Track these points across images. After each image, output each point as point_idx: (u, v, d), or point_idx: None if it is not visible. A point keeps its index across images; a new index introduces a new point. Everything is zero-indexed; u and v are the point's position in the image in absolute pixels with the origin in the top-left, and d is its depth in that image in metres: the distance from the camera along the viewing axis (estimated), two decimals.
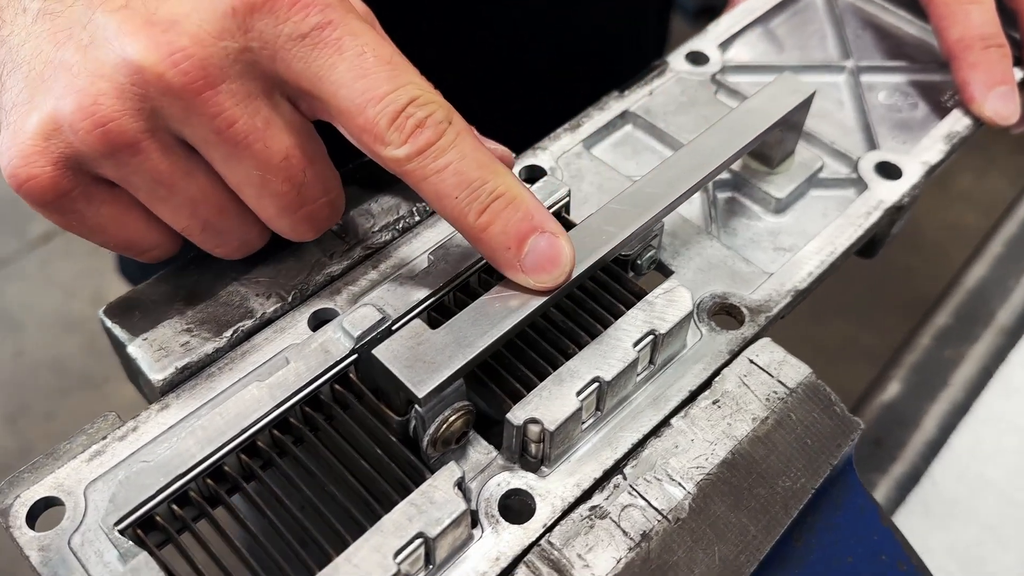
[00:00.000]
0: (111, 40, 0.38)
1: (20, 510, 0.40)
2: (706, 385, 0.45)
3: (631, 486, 0.42)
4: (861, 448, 0.68)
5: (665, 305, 0.44)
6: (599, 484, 0.42)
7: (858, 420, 0.46)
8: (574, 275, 0.42)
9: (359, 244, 0.50)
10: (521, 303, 0.41)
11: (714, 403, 0.44)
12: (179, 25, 0.38)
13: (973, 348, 1.01)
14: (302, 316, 0.46)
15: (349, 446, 0.41)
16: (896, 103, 0.60)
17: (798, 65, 0.61)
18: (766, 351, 0.46)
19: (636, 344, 0.42)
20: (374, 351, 0.40)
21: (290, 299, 0.47)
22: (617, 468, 0.42)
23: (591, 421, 0.43)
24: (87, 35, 0.39)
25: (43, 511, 0.41)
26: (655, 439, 0.43)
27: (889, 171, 0.54)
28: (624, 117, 0.57)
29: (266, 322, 0.46)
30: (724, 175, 0.53)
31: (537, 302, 0.41)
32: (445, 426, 0.41)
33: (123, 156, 0.39)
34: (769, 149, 0.52)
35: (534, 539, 0.40)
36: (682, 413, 0.44)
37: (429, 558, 0.38)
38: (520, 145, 0.55)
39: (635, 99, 0.58)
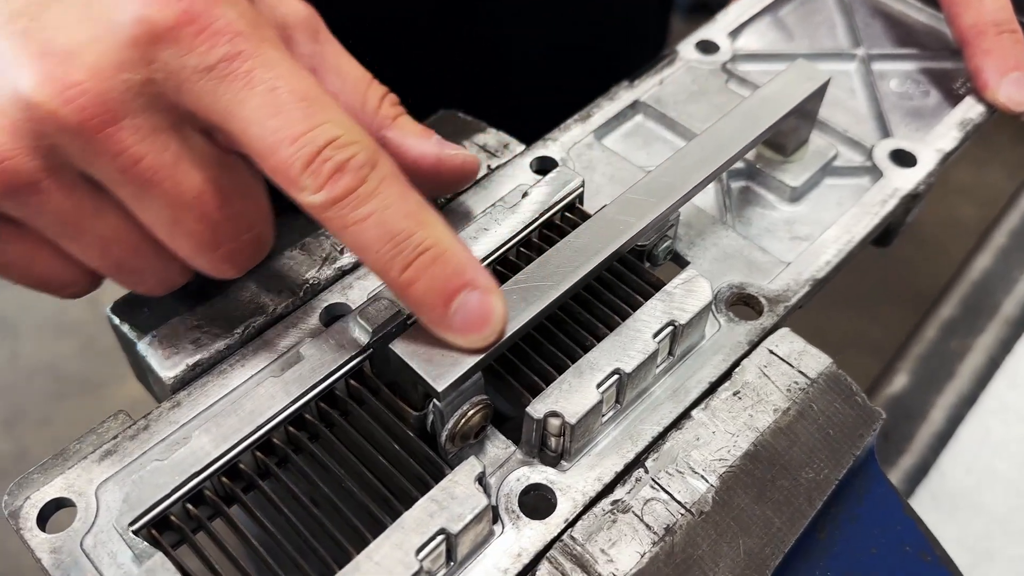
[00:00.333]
0: (4, 70, 0.35)
1: (31, 512, 0.40)
2: (726, 376, 0.45)
3: (653, 479, 0.41)
4: None
5: (684, 295, 0.43)
6: (620, 478, 0.41)
7: (879, 410, 0.45)
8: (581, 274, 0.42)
9: None
10: (539, 295, 0.41)
11: (735, 394, 0.44)
12: (76, 57, 0.35)
13: (979, 339, 1.00)
14: (314, 311, 0.46)
15: (366, 442, 0.40)
16: (908, 91, 0.59)
17: (808, 53, 0.60)
18: (786, 341, 0.46)
19: (656, 335, 0.42)
20: (391, 345, 0.39)
21: (301, 294, 0.46)
22: (638, 462, 0.42)
23: (611, 414, 0.42)
24: None
25: (54, 512, 0.40)
26: (676, 432, 0.42)
27: (904, 159, 0.54)
28: (635, 107, 0.57)
29: (277, 318, 0.46)
30: (738, 164, 0.52)
31: (556, 293, 0.41)
32: (464, 421, 0.40)
33: (22, 196, 0.36)
34: (783, 137, 0.52)
35: (556, 534, 0.39)
36: (703, 405, 0.43)
37: (450, 555, 0.37)
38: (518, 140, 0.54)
39: (645, 89, 0.57)
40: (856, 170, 0.54)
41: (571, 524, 0.39)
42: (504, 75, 0.87)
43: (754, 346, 0.46)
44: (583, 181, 0.47)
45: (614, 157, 0.54)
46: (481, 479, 0.38)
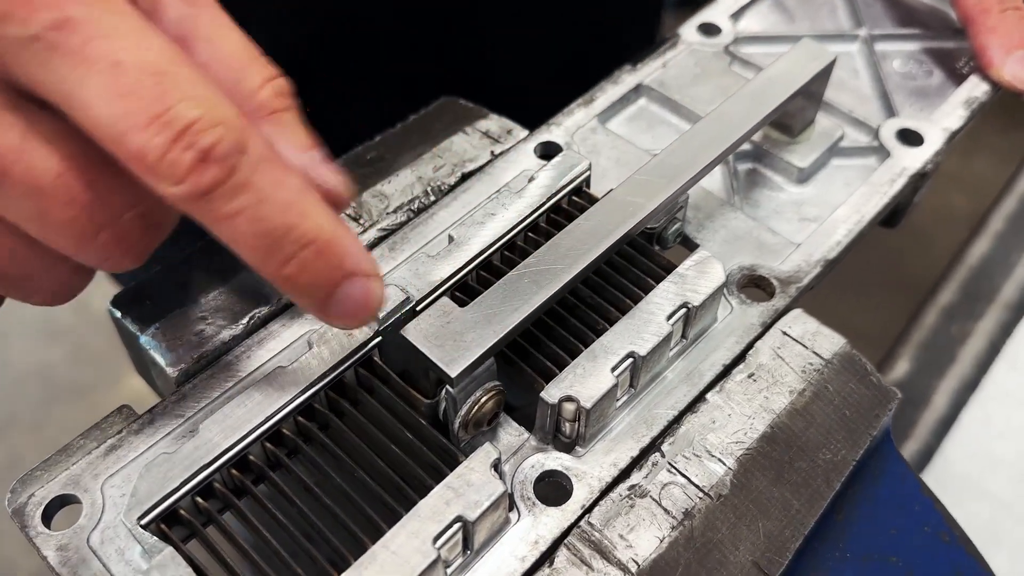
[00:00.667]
0: None
1: (35, 509, 0.39)
2: (740, 358, 0.44)
3: (670, 463, 0.40)
4: None
5: (697, 277, 0.42)
6: (637, 463, 0.40)
7: (895, 390, 0.45)
8: (595, 255, 0.40)
9: (374, 226, 0.48)
10: (551, 278, 0.40)
11: (749, 376, 0.43)
12: None
13: (979, 324, 1.00)
14: None
15: (377, 431, 0.39)
16: (911, 71, 0.59)
17: (810, 35, 0.60)
18: (799, 322, 0.45)
19: (669, 317, 0.41)
20: (403, 331, 0.38)
21: None
22: (654, 446, 0.41)
23: (625, 399, 0.42)
24: None
25: (59, 509, 0.39)
26: (691, 415, 0.42)
27: (911, 138, 0.53)
28: (638, 91, 0.56)
29: (283, 308, 0.45)
30: (745, 146, 0.52)
31: (567, 276, 0.40)
32: (477, 407, 0.39)
33: None
34: (790, 118, 0.51)
35: (573, 520, 0.38)
36: (717, 388, 0.43)
37: (467, 543, 0.36)
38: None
39: (648, 72, 0.57)
40: (863, 150, 0.54)
41: (588, 510, 0.39)
42: (495, 62, 0.86)
43: (767, 328, 0.45)
44: (590, 164, 0.47)
45: (619, 141, 0.54)
46: (497, 465, 0.37)
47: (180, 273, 0.46)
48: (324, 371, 0.40)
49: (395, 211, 0.49)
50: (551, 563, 0.37)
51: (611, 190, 0.44)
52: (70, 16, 0.30)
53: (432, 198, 0.50)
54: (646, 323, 0.41)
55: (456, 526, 0.35)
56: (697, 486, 0.40)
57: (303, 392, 0.39)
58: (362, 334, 0.41)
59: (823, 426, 0.42)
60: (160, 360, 0.43)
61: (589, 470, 0.40)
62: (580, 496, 0.39)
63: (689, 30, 0.59)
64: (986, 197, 1.22)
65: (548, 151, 0.52)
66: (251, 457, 0.38)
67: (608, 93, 0.55)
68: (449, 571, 0.36)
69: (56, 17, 0.30)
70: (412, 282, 0.42)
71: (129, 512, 0.36)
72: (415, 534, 0.35)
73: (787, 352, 0.44)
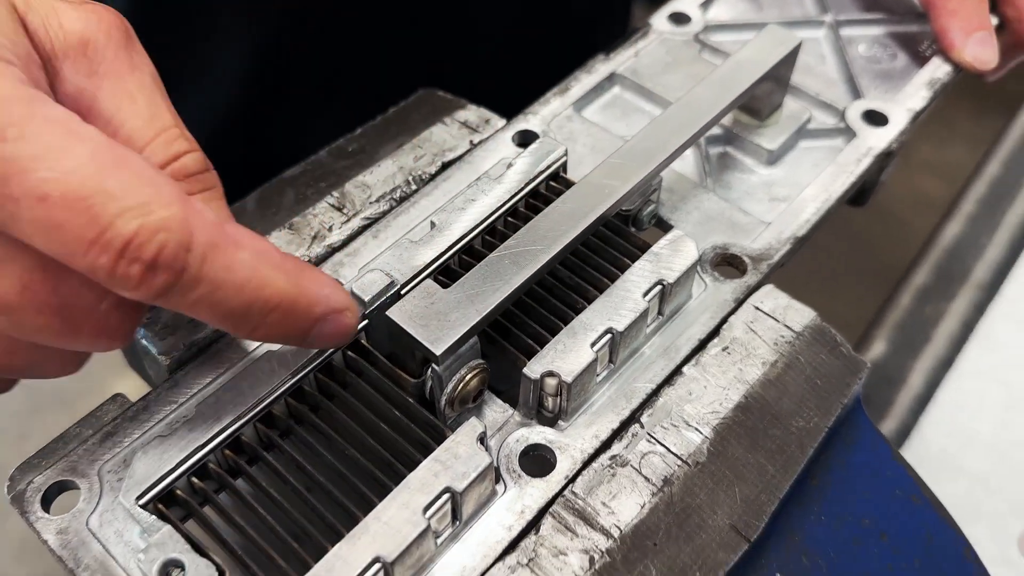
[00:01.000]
0: None
1: (34, 495, 0.40)
2: (714, 333, 0.46)
3: (649, 434, 0.42)
4: None
5: (671, 255, 0.44)
6: (617, 434, 0.42)
7: (864, 360, 0.46)
8: (577, 232, 0.42)
9: (357, 215, 0.49)
10: (531, 258, 0.41)
11: (724, 350, 0.45)
12: None
13: (953, 304, 1.03)
14: None
15: (367, 410, 0.41)
16: (876, 54, 0.60)
17: (778, 22, 0.61)
18: (770, 297, 0.47)
19: (645, 294, 0.43)
20: (388, 312, 0.40)
21: None
22: (634, 418, 0.42)
23: (604, 374, 0.43)
24: None
25: (57, 495, 0.40)
26: (669, 388, 0.43)
27: (876, 119, 0.55)
28: (612, 79, 0.58)
29: None
30: (715, 130, 0.53)
31: (546, 256, 0.42)
32: (462, 385, 0.41)
33: None
34: (758, 102, 0.53)
35: (557, 491, 0.40)
36: (693, 361, 0.44)
37: (456, 513, 0.38)
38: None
39: (621, 61, 0.58)
40: (830, 132, 0.55)
41: (571, 480, 0.40)
42: (470, 53, 0.87)
43: (740, 303, 0.47)
44: (566, 150, 0.48)
45: (594, 128, 0.55)
46: (483, 439, 0.38)
47: None
48: (313, 354, 0.41)
49: (378, 200, 0.50)
50: (537, 531, 0.39)
51: (587, 173, 0.45)
52: None
53: (413, 187, 0.51)
54: (623, 300, 0.42)
55: (445, 497, 0.37)
56: (676, 454, 0.41)
57: (293, 375, 0.41)
58: None
59: (796, 395, 0.44)
60: (152, 349, 0.44)
61: (572, 442, 0.41)
62: (564, 467, 0.41)
63: (660, 19, 0.61)
64: (960, 182, 1.24)
65: (525, 139, 0.54)
66: (244, 438, 0.40)
67: (583, 82, 0.57)
68: (439, 540, 0.38)
69: None
70: (396, 267, 0.43)
71: (127, 493, 0.37)
72: (405, 505, 0.36)
73: (759, 326, 0.46)
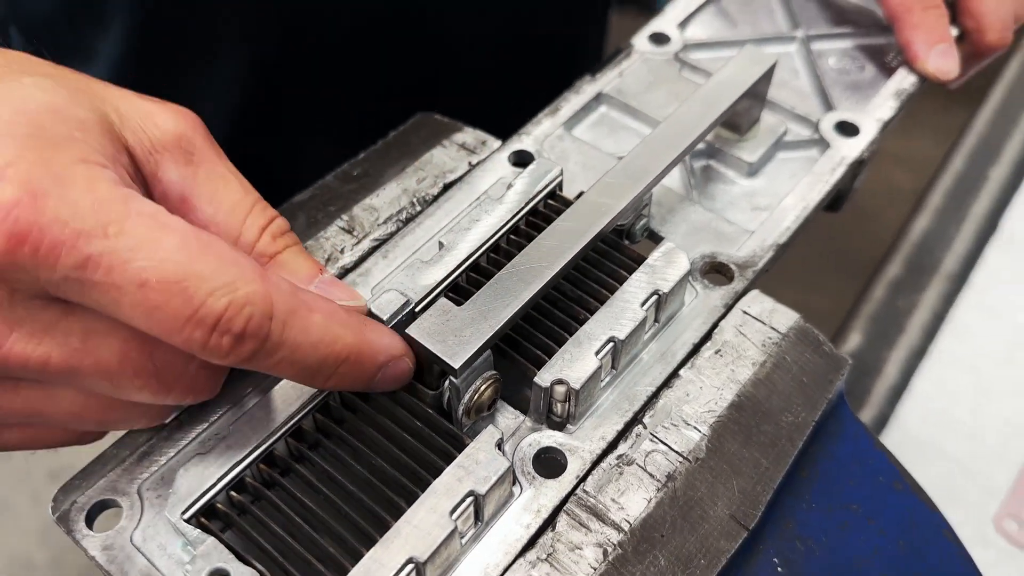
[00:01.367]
0: None
1: (78, 514, 0.42)
2: (707, 337, 0.49)
3: (651, 434, 0.45)
4: None
5: (664, 266, 0.47)
6: (622, 435, 0.45)
7: (846, 357, 0.50)
8: (570, 256, 0.45)
9: (367, 237, 0.52)
10: (537, 275, 0.44)
11: (716, 353, 0.48)
12: None
13: (924, 295, 1.07)
14: None
15: (389, 422, 0.44)
16: (845, 67, 0.64)
17: (752, 39, 0.65)
18: (757, 302, 0.50)
19: (643, 304, 0.46)
20: (408, 330, 0.42)
21: None
22: (636, 419, 0.46)
23: (607, 379, 0.46)
24: None
25: (99, 513, 0.43)
26: (667, 390, 0.47)
27: (848, 129, 0.59)
28: (599, 99, 0.61)
29: None
30: (699, 145, 0.57)
31: (551, 272, 0.45)
32: (477, 395, 0.44)
33: None
34: (738, 118, 0.56)
35: (569, 490, 0.43)
36: (689, 364, 0.48)
37: (478, 514, 0.41)
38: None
39: (607, 81, 0.61)
40: (805, 143, 0.59)
41: (582, 479, 0.43)
42: (456, 77, 0.90)
43: (729, 308, 0.50)
44: (561, 170, 0.51)
45: (584, 146, 0.58)
46: (500, 445, 0.41)
47: None
48: None
49: (385, 222, 0.53)
50: (553, 527, 0.42)
51: (582, 192, 0.49)
52: (90, 254, 0.33)
53: (418, 208, 0.54)
54: (623, 310, 0.46)
55: (469, 500, 0.40)
56: (677, 452, 0.44)
57: (319, 392, 0.43)
58: None
59: (784, 393, 0.47)
60: None
61: (580, 444, 0.45)
62: (574, 468, 0.44)
63: (641, 40, 0.64)
64: (928, 175, 1.28)
65: (521, 159, 0.57)
66: (277, 452, 0.43)
67: (572, 102, 0.60)
68: (463, 540, 0.41)
69: (77, 259, 0.33)
70: (409, 286, 0.46)
71: (173, 508, 0.40)
72: (433, 509, 0.39)
73: (748, 329, 0.49)
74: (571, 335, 0.45)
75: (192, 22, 0.77)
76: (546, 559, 0.41)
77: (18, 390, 0.38)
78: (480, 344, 0.42)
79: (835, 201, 0.59)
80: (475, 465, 0.40)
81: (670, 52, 0.63)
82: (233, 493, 0.41)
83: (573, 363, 0.44)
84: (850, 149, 0.58)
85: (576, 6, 0.96)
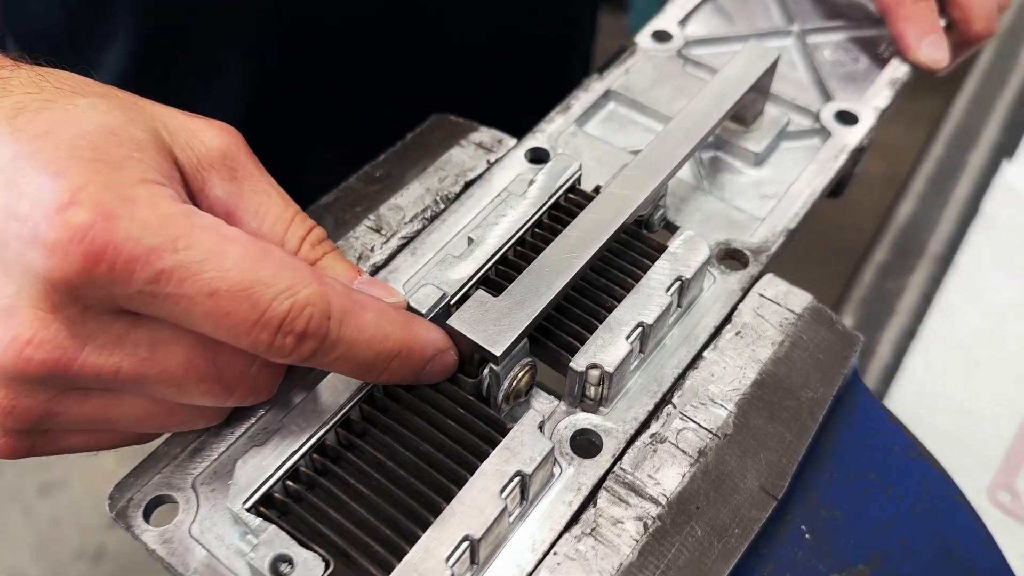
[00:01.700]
0: None
1: (136, 510, 0.44)
2: (727, 320, 0.51)
3: (681, 413, 0.47)
4: None
5: (686, 253, 0.49)
6: (653, 415, 0.47)
7: (858, 334, 0.52)
8: (594, 249, 0.47)
9: (395, 235, 0.54)
10: (567, 265, 0.47)
11: (737, 334, 0.51)
12: (16, 312, 0.36)
13: (912, 278, 1.11)
14: None
15: (433, 409, 0.45)
16: (840, 59, 0.67)
17: (750, 34, 0.68)
18: (772, 285, 0.53)
19: (668, 289, 0.48)
20: (449, 322, 0.44)
21: None
22: (665, 400, 0.48)
23: (636, 363, 0.49)
24: None
25: (155, 509, 0.45)
26: (693, 371, 0.49)
27: (847, 118, 0.61)
28: (607, 96, 0.63)
29: None
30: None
31: (581, 262, 0.47)
32: (516, 381, 0.46)
33: (45, 422, 0.39)
34: (744, 110, 0.59)
35: (607, 468, 0.45)
36: (711, 346, 0.50)
37: (524, 493, 0.43)
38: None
39: (614, 78, 0.64)
40: (807, 132, 0.62)
41: (619, 458, 0.46)
42: (455, 82, 0.92)
43: (746, 292, 0.53)
44: (580, 165, 0.54)
45: (597, 142, 0.61)
46: (542, 427, 0.44)
47: None
48: None
49: (411, 220, 0.55)
50: (595, 504, 0.44)
51: (598, 187, 0.51)
52: (162, 268, 0.35)
53: (441, 206, 0.56)
54: (649, 296, 0.48)
55: (516, 479, 0.42)
56: (706, 429, 0.47)
57: (364, 384, 0.45)
58: None
59: (802, 370, 0.50)
60: None
61: (615, 425, 0.47)
62: (610, 447, 0.46)
63: (644, 38, 0.66)
64: (901, 161, 1.32)
65: (537, 156, 0.59)
66: (328, 442, 0.44)
67: (582, 100, 0.62)
68: (511, 519, 0.43)
69: (150, 273, 0.35)
70: (444, 280, 0.48)
71: (234, 499, 0.42)
72: (484, 489, 0.41)
73: (765, 311, 0.52)
74: (600, 322, 0.47)
75: (194, 37, 0.79)
76: (590, 533, 0.43)
77: (88, 399, 0.40)
78: (519, 332, 0.44)
79: (838, 187, 0.62)
80: (520, 447, 0.42)
81: (673, 49, 0.66)
82: (289, 482, 0.43)
83: (606, 348, 0.46)
84: (851, 137, 0.61)
85: (567, 7, 0.99)
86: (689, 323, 0.51)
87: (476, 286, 0.49)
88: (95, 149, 0.37)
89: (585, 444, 0.47)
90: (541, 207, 0.52)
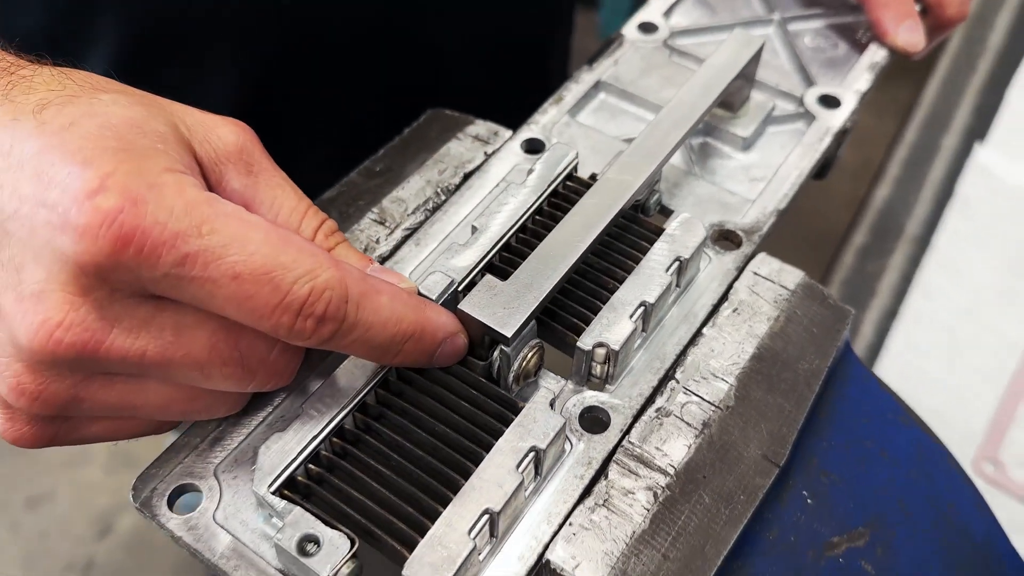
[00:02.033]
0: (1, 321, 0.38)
1: (160, 500, 0.45)
2: (724, 298, 0.53)
3: (684, 387, 0.49)
4: None
5: (683, 235, 0.51)
6: (657, 390, 0.49)
7: (849, 308, 0.55)
8: (598, 230, 0.49)
9: (398, 227, 0.56)
10: (571, 248, 0.48)
11: (734, 311, 0.52)
12: (45, 297, 0.37)
13: (891, 259, 1.13)
14: None
15: (446, 391, 0.47)
16: (820, 45, 0.69)
17: (733, 23, 0.70)
18: (765, 263, 0.55)
19: (667, 269, 0.50)
20: (460, 306, 0.46)
21: None
22: (669, 376, 0.50)
23: (639, 341, 0.50)
24: None
25: (178, 498, 0.46)
26: (693, 347, 0.51)
27: (830, 102, 0.64)
28: (598, 87, 0.65)
29: None
30: None
31: (584, 245, 0.49)
32: (525, 362, 0.47)
33: (70, 408, 0.41)
34: (731, 97, 0.61)
35: (616, 442, 0.47)
36: (710, 323, 0.52)
37: (538, 468, 0.45)
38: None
39: (604, 69, 0.66)
40: (792, 117, 0.64)
41: (626, 432, 0.47)
42: (439, 79, 0.94)
43: (741, 271, 0.54)
44: (577, 153, 0.55)
45: (590, 131, 0.62)
46: (553, 404, 0.45)
47: None
48: None
49: (413, 212, 0.57)
50: (606, 476, 0.46)
51: (594, 174, 0.53)
52: (187, 252, 0.37)
53: (442, 197, 0.58)
54: (650, 277, 0.50)
55: (531, 455, 0.43)
56: (709, 402, 0.49)
57: (379, 369, 0.47)
58: None
59: (798, 343, 0.52)
60: None
61: (621, 402, 0.49)
62: (618, 423, 0.48)
63: (630, 30, 0.68)
64: (870, 147, 1.35)
65: (532, 146, 0.60)
66: (346, 426, 0.46)
67: (573, 91, 0.64)
68: (526, 493, 0.44)
69: (176, 257, 0.37)
70: (451, 267, 0.50)
71: (260, 483, 0.43)
72: (500, 465, 0.43)
73: (760, 288, 0.54)
74: (603, 303, 0.49)
75: (181, 41, 0.79)
76: (603, 504, 0.45)
77: (113, 384, 0.41)
78: (528, 313, 0.46)
79: (823, 169, 0.64)
80: (533, 424, 0.44)
81: (659, 39, 0.68)
82: (311, 465, 0.45)
83: (611, 327, 0.48)
84: (834, 120, 0.63)
85: (546, 7, 1.00)
86: (688, 302, 0.53)
87: (482, 272, 0.51)
88: (121, 139, 0.39)
89: (593, 420, 0.48)
90: (541, 195, 0.54)
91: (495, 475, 0.42)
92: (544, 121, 0.62)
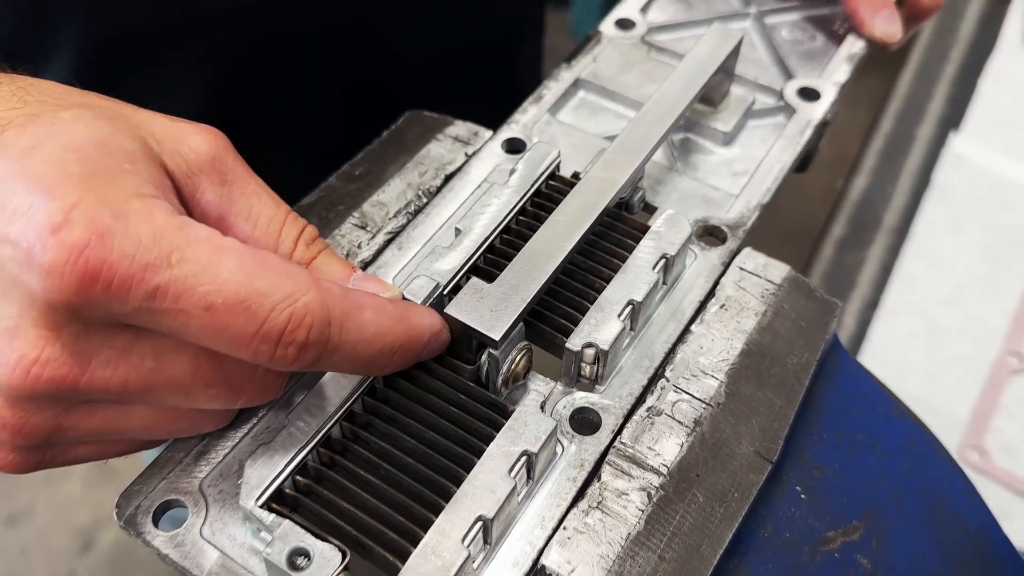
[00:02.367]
0: None
1: (144, 517, 0.44)
2: (710, 295, 0.53)
3: (675, 385, 0.49)
4: None
5: (669, 232, 0.51)
6: (647, 389, 0.49)
7: (836, 301, 0.54)
8: (587, 225, 0.49)
9: (380, 231, 0.55)
10: (557, 248, 0.48)
11: (721, 307, 0.52)
12: (20, 332, 0.36)
13: (870, 250, 1.14)
14: None
15: (434, 397, 0.46)
16: (797, 37, 0.69)
17: (710, 18, 0.69)
18: (751, 258, 0.54)
19: (654, 267, 0.49)
20: (446, 310, 0.45)
21: None
22: (658, 374, 0.49)
23: (627, 341, 0.50)
24: None
25: (163, 514, 0.45)
26: (682, 345, 0.50)
27: (809, 94, 0.63)
28: (577, 84, 0.64)
29: None
30: None
31: (570, 245, 0.48)
32: (513, 365, 0.47)
33: (55, 436, 0.40)
34: (711, 92, 0.60)
35: (608, 443, 0.47)
36: (698, 320, 0.52)
37: (531, 472, 0.44)
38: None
39: (583, 67, 0.65)
40: (772, 110, 0.63)
41: (618, 433, 0.47)
42: (413, 81, 0.93)
43: (727, 266, 0.54)
44: (559, 152, 0.55)
45: (570, 129, 0.62)
46: (543, 406, 0.45)
47: None
48: None
49: (395, 215, 0.56)
50: (599, 478, 0.45)
51: (576, 173, 0.52)
52: (158, 284, 0.35)
53: (424, 200, 0.57)
54: (637, 275, 0.49)
55: (523, 458, 0.43)
56: (699, 399, 0.48)
57: (366, 376, 0.46)
58: None
59: (786, 337, 0.52)
60: None
61: (611, 402, 0.48)
62: (609, 423, 0.47)
63: (608, 26, 0.68)
64: (847, 142, 1.35)
65: (513, 146, 0.60)
66: (333, 436, 0.45)
67: (553, 89, 0.64)
68: (519, 498, 0.44)
69: (146, 290, 0.35)
70: (435, 271, 0.49)
71: (247, 497, 0.42)
72: (492, 471, 0.42)
73: (747, 283, 0.53)
74: (591, 303, 0.49)
75: (147, 47, 0.78)
76: (597, 507, 0.44)
77: (96, 412, 0.40)
78: (515, 316, 0.45)
79: (804, 161, 0.64)
80: (524, 427, 0.43)
81: (636, 36, 0.67)
82: (299, 477, 0.44)
83: (599, 327, 0.47)
84: (814, 112, 0.63)
85: (516, 8, 1.00)
86: (675, 300, 0.52)
87: (467, 275, 0.50)
88: (85, 163, 0.37)
89: (584, 421, 0.48)
90: (524, 195, 0.53)
91: (487, 481, 0.42)
92: (524, 120, 0.62)
